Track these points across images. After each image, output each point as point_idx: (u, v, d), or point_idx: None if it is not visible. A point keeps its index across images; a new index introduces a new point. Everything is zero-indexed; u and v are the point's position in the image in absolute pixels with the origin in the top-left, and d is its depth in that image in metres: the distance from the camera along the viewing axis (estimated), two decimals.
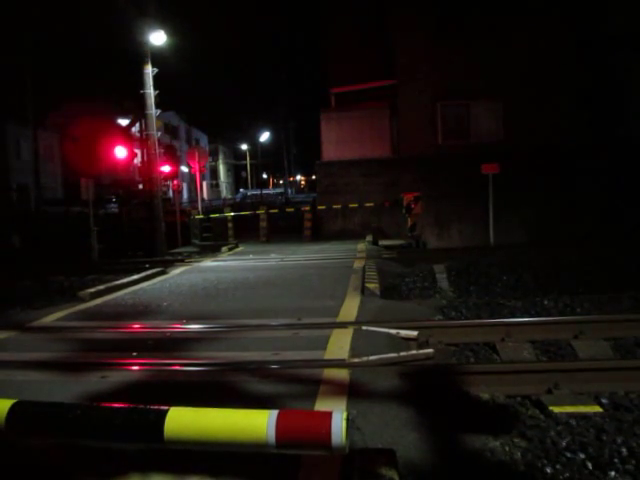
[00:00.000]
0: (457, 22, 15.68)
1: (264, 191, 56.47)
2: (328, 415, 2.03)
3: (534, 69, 15.24)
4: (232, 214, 16.61)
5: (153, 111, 14.08)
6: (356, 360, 4.05)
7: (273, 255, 12.06)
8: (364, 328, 5.01)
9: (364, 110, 17.17)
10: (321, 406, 3.16)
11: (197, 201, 19.37)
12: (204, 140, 60.60)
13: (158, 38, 13.94)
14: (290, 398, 3.34)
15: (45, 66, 32.12)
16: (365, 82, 17.35)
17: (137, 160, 23.20)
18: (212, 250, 14.17)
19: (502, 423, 3.50)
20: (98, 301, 7.05)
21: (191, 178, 45.07)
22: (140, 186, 21.74)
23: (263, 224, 16.30)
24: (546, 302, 6.79)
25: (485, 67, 15.52)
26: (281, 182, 70.31)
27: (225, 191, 66.03)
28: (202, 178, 35.63)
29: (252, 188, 63.61)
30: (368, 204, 15.52)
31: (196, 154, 17.64)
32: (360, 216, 16.18)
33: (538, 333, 5.21)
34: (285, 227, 19.03)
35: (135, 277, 8.71)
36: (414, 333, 4.95)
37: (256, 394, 3.44)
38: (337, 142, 17.21)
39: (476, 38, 15.55)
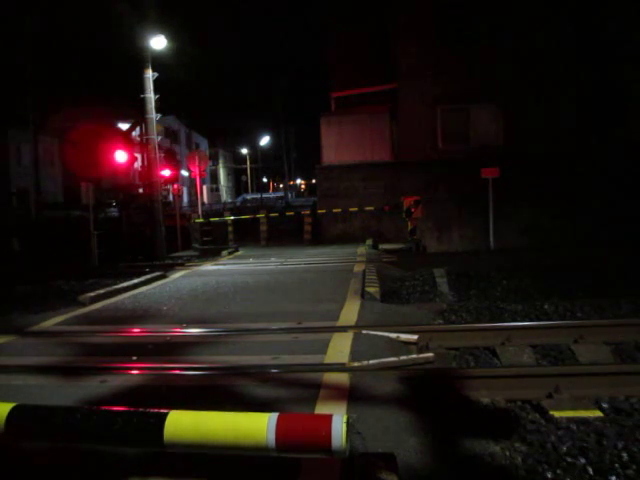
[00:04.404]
0: (457, 26, 15.72)
1: (264, 195, 56.51)
2: (328, 418, 2.03)
3: (534, 73, 15.27)
4: (232, 218, 16.63)
5: (153, 115, 14.12)
6: (356, 364, 4.05)
7: (273, 259, 12.06)
8: (364, 332, 5.00)
9: (364, 114, 17.19)
10: (321, 410, 3.15)
11: (197, 205, 19.38)
12: (204, 144, 60.71)
13: (158, 42, 14.00)
14: (290, 402, 3.33)
15: (46, 70, 32.18)
16: (365, 86, 17.39)
17: (137, 164, 23.24)
18: (212, 254, 14.17)
19: (502, 427, 3.49)
20: (98, 305, 7.04)
21: (191, 182, 45.12)
22: (140, 190, 21.74)
23: (263, 228, 16.31)
24: (546, 306, 6.79)
25: (485, 71, 15.55)
26: (281, 186, 70.38)
27: (225, 195, 66.10)
28: (202, 182, 35.65)
29: (252, 192, 63.68)
30: (368, 208, 15.52)
31: (196, 158, 17.66)
32: (360, 220, 16.17)
33: (538, 337, 5.20)
34: (285, 231, 19.05)
35: (135, 281, 8.71)
36: (414, 337, 4.95)
37: (256, 398, 3.43)
38: (337, 146, 17.23)
39: (476, 42, 15.59)
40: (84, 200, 13.67)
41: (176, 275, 9.93)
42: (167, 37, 14.05)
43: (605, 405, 3.75)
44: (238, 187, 73.97)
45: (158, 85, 14.18)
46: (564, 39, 15.25)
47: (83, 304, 7.06)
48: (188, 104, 56.13)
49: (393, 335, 4.95)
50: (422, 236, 14.88)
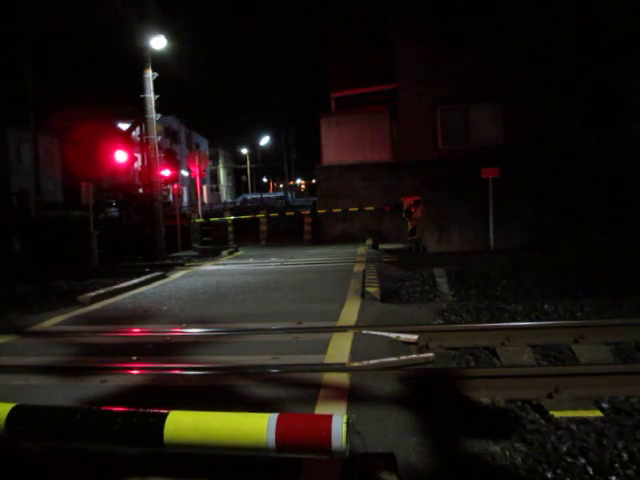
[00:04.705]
0: (457, 26, 15.72)
1: (264, 195, 56.52)
2: (328, 418, 2.03)
3: (534, 73, 15.27)
4: (232, 218, 16.63)
5: (153, 115, 14.11)
6: (356, 364, 4.05)
7: (273, 259, 12.06)
8: (364, 332, 5.00)
9: (364, 114, 17.20)
10: (321, 410, 3.15)
11: (197, 205, 19.38)
12: (204, 144, 60.69)
13: (158, 42, 13.98)
14: (290, 402, 3.33)
15: (45, 70, 32.19)
16: (365, 86, 17.39)
17: (137, 164, 23.25)
18: (212, 254, 14.17)
19: (502, 427, 3.49)
20: (98, 305, 7.04)
21: (191, 182, 45.13)
22: (140, 190, 21.76)
23: (263, 228, 16.31)
24: (546, 306, 6.79)
25: (485, 71, 15.55)
26: (281, 186, 70.39)
27: (225, 195, 66.10)
28: (202, 182, 35.64)
29: (252, 192, 63.69)
30: (368, 208, 15.53)
31: (196, 158, 17.66)
32: (360, 220, 16.18)
33: (538, 337, 5.20)
34: (285, 231, 19.06)
35: (135, 281, 8.71)
36: (414, 337, 4.95)
37: (256, 398, 3.43)
38: (337, 146, 17.23)
39: (476, 42, 15.59)
40: (84, 200, 13.66)
41: (176, 275, 9.93)
42: (167, 37, 14.05)
43: (605, 405, 3.75)
44: (238, 187, 73.97)
45: (158, 85, 14.18)
46: (564, 39, 15.25)
47: (83, 304, 7.06)
48: (188, 104, 56.20)
49: (393, 335, 4.95)
50: (422, 236, 14.88)
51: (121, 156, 18.46)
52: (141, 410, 2.23)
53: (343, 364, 4.06)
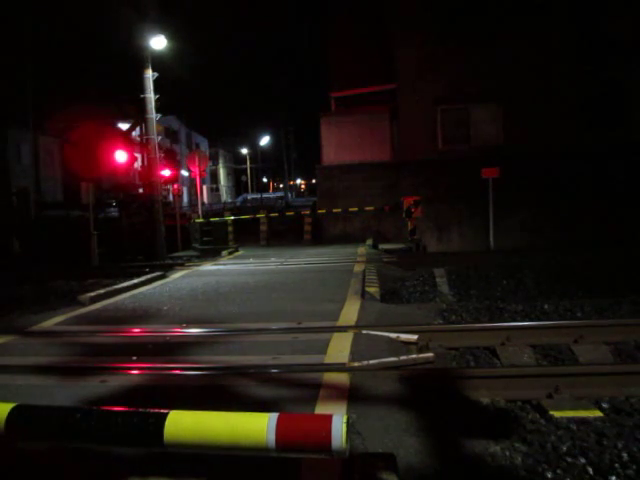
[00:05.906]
0: (457, 26, 15.72)
1: (264, 195, 56.52)
2: (328, 418, 2.03)
3: (534, 73, 15.27)
4: (232, 218, 16.63)
5: (153, 115, 14.11)
6: (356, 364, 4.05)
7: (273, 259, 12.06)
8: (364, 332, 5.01)
9: (364, 114, 17.20)
10: (321, 410, 3.15)
11: (197, 205, 19.39)
12: (204, 144, 60.68)
13: (158, 42, 13.98)
14: (290, 402, 3.33)
15: (45, 70, 32.20)
16: (365, 86, 17.40)
17: (137, 164, 23.24)
18: (212, 254, 14.17)
19: (503, 428, 3.49)
20: (98, 305, 7.05)
21: (191, 182, 45.14)
22: (140, 190, 21.75)
23: (263, 228, 16.31)
24: (546, 306, 6.79)
25: (485, 71, 15.55)
26: (281, 186, 70.42)
27: (225, 195, 66.11)
28: (202, 182, 35.66)
29: (252, 192, 63.69)
30: (368, 208, 15.53)
31: (196, 158, 17.66)
32: (360, 220, 16.18)
33: (538, 337, 5.20)
34: (285, 231, 19.05)
35: (135, 281, 8.71)
36: (414, 337, 4.95)
37: (256, 398, 3.43)
38: (337, 146, 17.23)
39: (476, 42, 15.59)
40: (84, 200, 13.66)
41: (176, 275, 9.93)
42: (167, 37, 14.05)
43: (605, 405, 3.75)
44: (238, 187, 73.95)
45: (158, 85, 14.18)
46: (564, 38, 15.25)
47: (83, 304, 7.07)
48: (188, 104, 56.22)
49: (393, 335, 4.95)
50: (422, 236, 14.88)
51: (121, 156, 18.44)
52: (141, 410, 2.23)
53: (343, 364, 4.06)
